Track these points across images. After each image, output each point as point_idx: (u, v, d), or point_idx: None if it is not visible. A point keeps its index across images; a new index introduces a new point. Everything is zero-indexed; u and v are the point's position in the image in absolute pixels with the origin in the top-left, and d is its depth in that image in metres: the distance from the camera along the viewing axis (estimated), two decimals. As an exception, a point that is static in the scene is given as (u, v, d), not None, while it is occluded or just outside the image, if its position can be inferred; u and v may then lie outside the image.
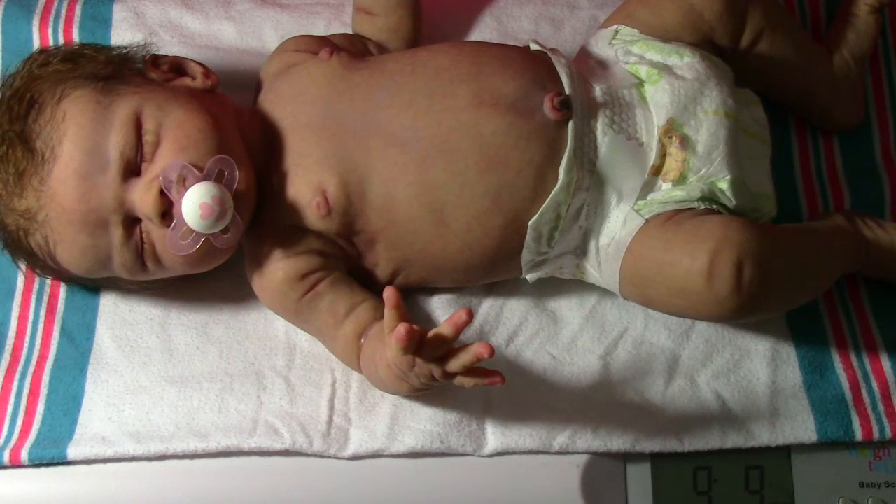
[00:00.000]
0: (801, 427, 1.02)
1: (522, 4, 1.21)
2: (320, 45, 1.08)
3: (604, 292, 1.07)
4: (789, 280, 0.98)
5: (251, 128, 1.03)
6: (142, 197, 0.96)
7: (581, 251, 1.02)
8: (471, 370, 0.89)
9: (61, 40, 1.17)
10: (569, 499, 0.99)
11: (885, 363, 1.06)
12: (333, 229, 1.01)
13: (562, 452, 1.00)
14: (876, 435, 1.01)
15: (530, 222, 0.99)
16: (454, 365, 0.88)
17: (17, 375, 1.06)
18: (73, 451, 0.99)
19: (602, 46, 1.08)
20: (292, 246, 1.01)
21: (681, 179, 1.00)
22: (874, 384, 1.05)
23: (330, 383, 1.04)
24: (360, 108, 1.01)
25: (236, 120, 1.03)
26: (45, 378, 1.05)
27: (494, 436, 1.00)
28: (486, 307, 1.08)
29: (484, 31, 1.20)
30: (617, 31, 1.08)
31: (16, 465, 1.00)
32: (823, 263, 1.02)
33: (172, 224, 0.95)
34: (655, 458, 1.01)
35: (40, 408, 1.04)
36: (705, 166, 1.00)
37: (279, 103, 1.04)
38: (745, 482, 1.02)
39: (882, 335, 1.08)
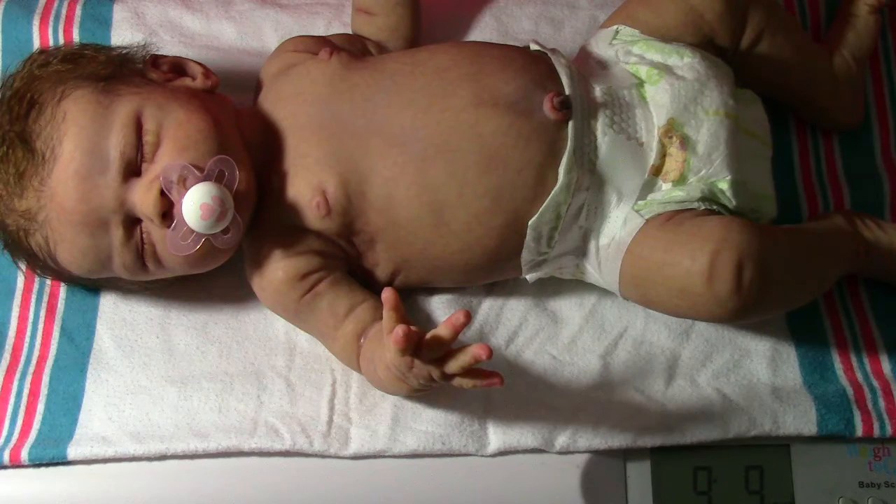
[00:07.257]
0: (802, 419, 1.01)
1: (522, 4, 1.21)
2: (320, 45, 1.08)
3: (604, 292, 1.07)
4: (789, 281, 0.98)
5: (251, 128, 1.03)
6: (142, 197, 0.96)
7: (581, 251, 1.02)
8: (469, 371, 0.89)
9: (61, 40, 1.17)
10: (569, 499, 0.99)
11: (885, 363, 1.06)
12: (333, 229, 1.01)
13: (563, 452, 1.00)
14: (877, 431, 1.01)
15: (530, 222, 0.99)
16: (453, 366, 0.88)
17: (18, 375, 1.06)
18: (73, 451, 0.99)
19: (602, 46, 1.08)
20: (292, 246, 1.01)
21: (681, 180, 1.00)
22: (875, 383, 1.05)
23: (330, 383, 1.04)
24: (360, 108, 1.01)
25: (236, 120, 1.03)
26: (45, 378, 1.05)
27: (496, 435, 1.00)
28: (486, 307, 1.08)
29: (484, 31, 1.20)
30: (617, 32, 1.08)
31: (16, 465, 1.00)
32: (823, 264, 1.03)
33: (173, 224, 0.95)
34: (655, 458, 1.01)
35: (40, 408, 1.04)
36: (705, 167, 1.00)
37: (279, 103, 1.04)
38: (745, 482, 1.02)
39: (882, 335, 1.08)
